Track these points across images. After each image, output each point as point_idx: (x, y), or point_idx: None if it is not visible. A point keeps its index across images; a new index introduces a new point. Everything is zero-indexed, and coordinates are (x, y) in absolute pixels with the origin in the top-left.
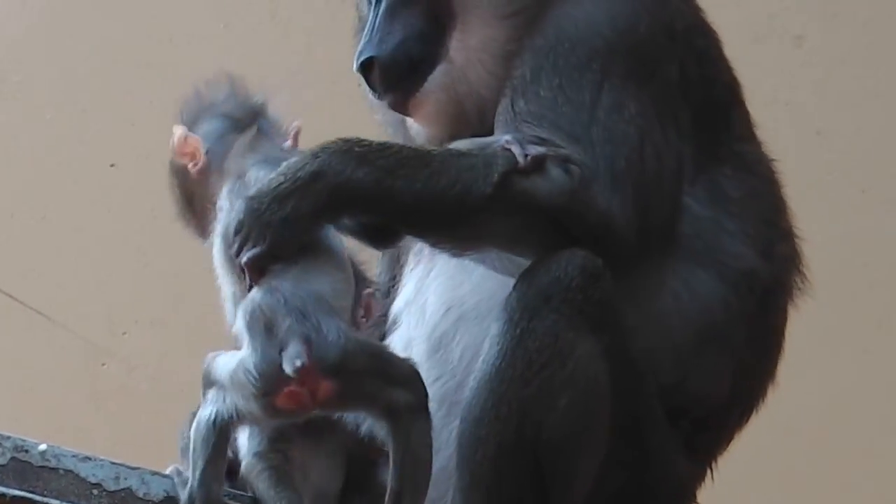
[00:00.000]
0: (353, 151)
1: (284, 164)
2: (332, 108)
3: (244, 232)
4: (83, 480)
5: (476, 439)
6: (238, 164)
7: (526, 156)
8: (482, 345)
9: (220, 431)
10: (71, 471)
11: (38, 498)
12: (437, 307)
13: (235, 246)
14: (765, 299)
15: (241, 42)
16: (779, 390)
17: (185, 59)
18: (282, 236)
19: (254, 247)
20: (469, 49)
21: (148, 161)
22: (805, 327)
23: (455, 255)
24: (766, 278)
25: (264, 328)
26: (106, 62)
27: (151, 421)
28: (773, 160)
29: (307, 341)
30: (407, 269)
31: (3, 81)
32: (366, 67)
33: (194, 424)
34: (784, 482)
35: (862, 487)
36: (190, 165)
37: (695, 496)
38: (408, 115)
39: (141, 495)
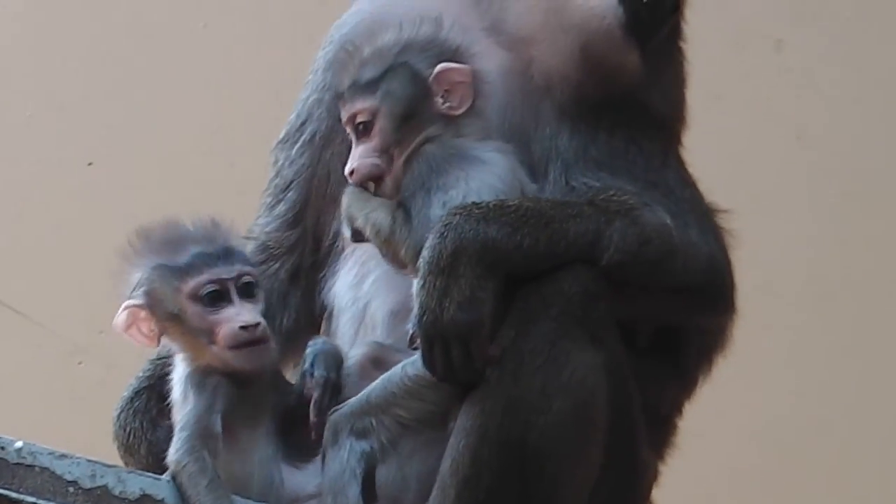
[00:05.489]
0: (475, 214)
1: (420, 266)
2: None
3: (438, 347)
4: (59, 478)
5: (460, 428)
6: None
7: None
8: None
9: None
10: (47, 468)
11: (13, 495)
12: (384, 313)
13: (440, 367)
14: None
15: (220, 42)
16: (757, 388)
17: (165, 58)
18: (471, 321)
19: (460, 351)
20: None
21: (126, 160)
22: (785, 328)
23: None
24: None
25: None
26: (85, 60)
27: None
28: None
29: None
30: (337, 261)
31: None
32: None
33: None
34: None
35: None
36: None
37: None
38: None
39: (117, 493)
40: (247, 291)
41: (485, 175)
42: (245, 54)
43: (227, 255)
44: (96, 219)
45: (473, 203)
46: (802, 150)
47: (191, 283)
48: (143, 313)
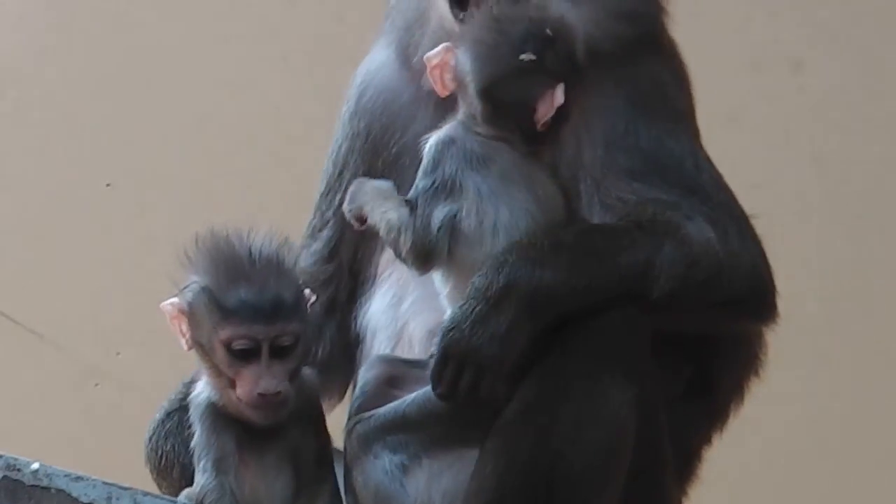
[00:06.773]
0: (531, 256)
1: (470, 288)
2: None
3: (452, 365)
4: (75, 500)
5: (487, 451)
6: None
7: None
8: None
9: None
10: (63, 490)
11: None
12: (422, 332)
13: (444, 385)
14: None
15: (240, 62)
16: (771, 415)
17: (183, 78)
18: (495, 356)
19: (471, 379)
20: None
21: (144, 181)
22: (801, 352)
23: None
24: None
25: None
26: (103, 80)
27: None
28: None
29: None
30: (373, 286)
31: (0, 98)
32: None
33: None
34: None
35: None
36: (439, 83)
37: None
38: None
39: None
40: (280, 352)
41: (508, 190)
42: (265, 74)
43: (272, 311)
44: (114, 240)
45: (529, 243)
46: (819, 172)
47: (227, 331)
48: (182, 315)
